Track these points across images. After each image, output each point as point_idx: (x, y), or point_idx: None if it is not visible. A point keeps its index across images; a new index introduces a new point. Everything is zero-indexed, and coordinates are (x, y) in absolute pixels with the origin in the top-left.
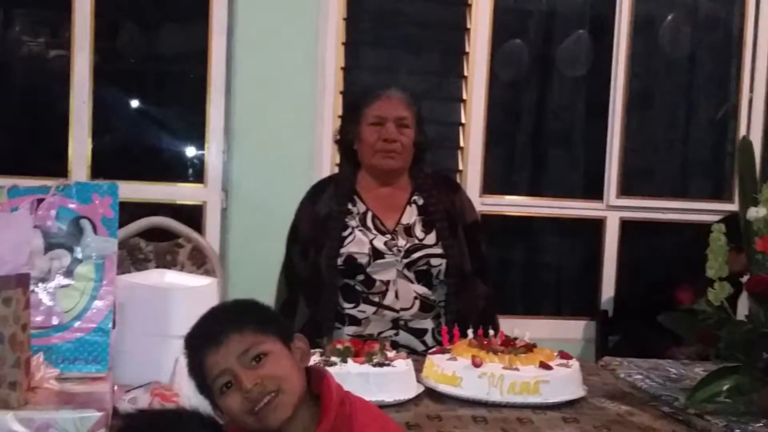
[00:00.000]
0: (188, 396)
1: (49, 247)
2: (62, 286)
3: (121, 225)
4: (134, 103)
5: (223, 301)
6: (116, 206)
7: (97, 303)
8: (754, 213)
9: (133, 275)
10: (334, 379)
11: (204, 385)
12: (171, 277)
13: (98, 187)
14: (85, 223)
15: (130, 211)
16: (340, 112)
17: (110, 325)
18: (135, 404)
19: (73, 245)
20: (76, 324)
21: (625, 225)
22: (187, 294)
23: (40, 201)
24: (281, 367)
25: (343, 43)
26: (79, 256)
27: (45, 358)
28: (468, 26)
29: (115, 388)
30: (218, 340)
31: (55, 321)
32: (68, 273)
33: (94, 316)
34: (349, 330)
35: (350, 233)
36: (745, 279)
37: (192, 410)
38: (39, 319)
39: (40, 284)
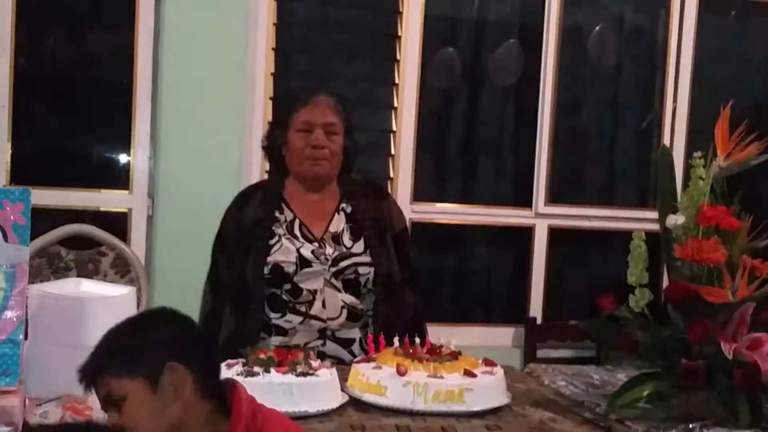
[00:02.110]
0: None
1: None
2: None
3: (42, 233)
4: (57, 108)
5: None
6: (28, 213)
7: (8, 313)
8: (672, 221)
9: (46, 284)
10: (245, 391)
11: None
12: (87, 286)
13: (9, 192)
14: None
15: (51, 218)
16: (270, 118)
17: (21, 336)
18: (46, 418)
19: None
20: None
21: (554, 232)
22: (103, 304)
23: None
24: (138, 415)
25: (272, 49)
26: None
27: None
28: (399, 34)
29: (27, 401)
30: (85, 384)
31: None
32: None
33: (4, 326)
34: (276, 340)
35: (277, 241)
36: None
37: (101, 425)
38: None
39: None
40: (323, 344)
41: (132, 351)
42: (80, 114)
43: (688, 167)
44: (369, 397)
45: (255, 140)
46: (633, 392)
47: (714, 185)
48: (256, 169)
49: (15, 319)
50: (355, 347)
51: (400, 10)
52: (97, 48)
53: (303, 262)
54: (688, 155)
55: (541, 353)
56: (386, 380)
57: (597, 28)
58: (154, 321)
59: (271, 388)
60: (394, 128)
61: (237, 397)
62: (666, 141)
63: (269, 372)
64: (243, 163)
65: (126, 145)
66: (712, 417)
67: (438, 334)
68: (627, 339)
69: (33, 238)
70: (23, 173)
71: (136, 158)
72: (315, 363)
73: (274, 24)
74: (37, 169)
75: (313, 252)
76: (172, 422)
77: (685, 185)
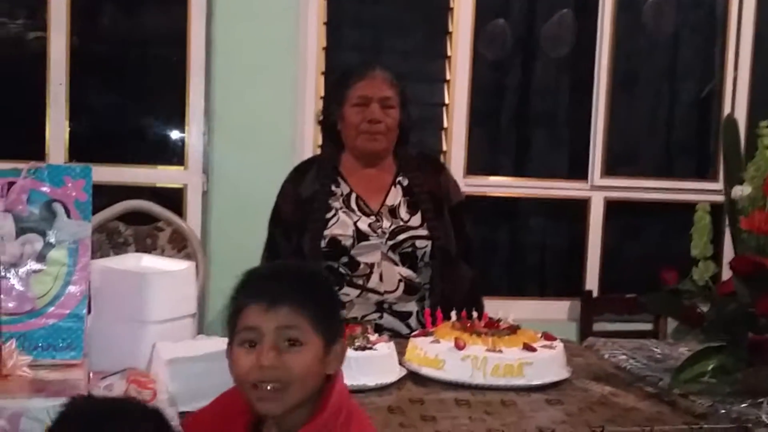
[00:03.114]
0: (164, 382)
1: (20, 232)
2: (34, 272)
3: (101, 209)
4: (113, 86)
5: (297, 264)
6: (90, 189)
7: (71, 288)
8: (738, 191)
9: (108, 260)
10: (344, 386)
11: (230, 329)
12: (148, 261)
13: (71, 169)
14: (57, 206)
15: (109, 194)
16: (321, 93)
17: (85, 311)
18: (111, 391)
19: (46, 229)
20: (50, 310)
21: (610, 205)
22: (163, 279)
23: (11, 184)
24: (306, 366)
25: (324, 23)
26: (52, 240)
27: (17, 345)
28: (451, 6)
29: (91, 375)
30: (271, 298)
31: (27, 307)
32: (41, 258)
33: (67, 301)
34: None
35: (334, 215)
36: None
37: (137, 403)
38: (11, 305)
39: (11, 270)
40: (380, 317)
41: (327, 310)
42: (136, 91)
43: (749, 137)
44: (427, 371)
45: (307, 115)
46: (697, 366)
47: None
48: (308, 144)
49: (78, 294)
50: (412, 320)
51: None
52: (152, 25)
53: (360, 236)
54: (750, 125)
55: (598, 327)
56: (444, 354)
57: None
58: (339, 297)
59: None
60: (447, 101)
61: (331, 390)
62: (727, 111)
63: None
64: (296, 138)
65: (181, 122)
66: None
67: (494, 308)
68: (691, 312)
69: (93, 214)
70: (81, 151)
71: (190, 135)
72: (373, 337)
73: None
74: (94, 147)
75: (370, 225)
76: (315, 386)
77: (749, 156)
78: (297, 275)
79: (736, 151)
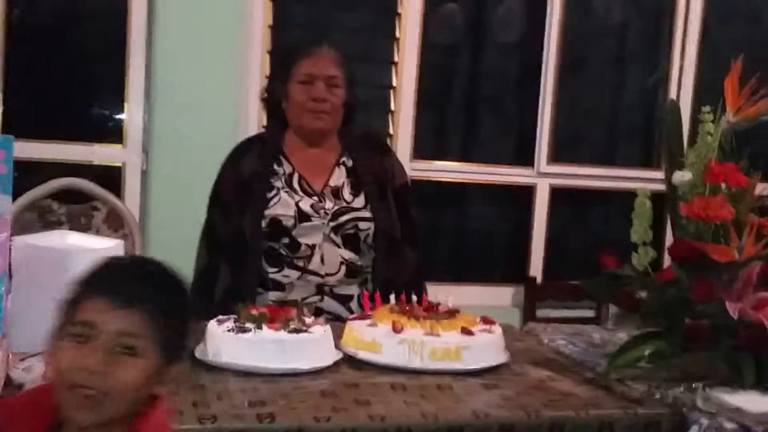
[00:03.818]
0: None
1: None
2: None
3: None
4: (51, 61)
5: (163, 267)
6: (11, 161)
7: None
8: (679, 177)
9: (31, 236)
10: (165, 414)
11: (63, 316)
12: (73, 239)
13: None
14: None
15: (46, 172)
16: (267, 72)
17: (3, 289)
18: (29, 373)
19: None
20: None
21: (555, 192)
22: (89, 256)
23: None
24: (134, 381)
25: (270, 0)
26: None
27: None
28: None
29: (10, 356)
30: (123, 299)
31: None
32: None
33: None
34: (273, 295)
35: (275, 194)
36: None
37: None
38: None
39: None
40: (321, 300)
41: (176, 327)
42: (74, 67)
43: (694, 126)
44: (364, 355)
45: (252, 94)
46: (634, 351)
47: (722, 141)
48: (252, 123)
49: None
50: (353, 304)
51: None
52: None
53: (302, 216)
54: (695, 113)
55: (541, 313)
56: (381, 338)
57: None
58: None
59: (262, 345)
60: (395, 84)
61: (152, 411)
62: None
63: (261, 329)
64: (240, 117)
65: (120, 99)
66: (715, 377)
67: (437, 293)
68: (629, 297)
69: (25, 191)
70: (17, 126)
71: (130, 112)
72: (308, 320)
73: None
74: (30, 123)
75: (312, 206)
76: (134, 405)
77: (692, 143)
78: (160, 281)
79: (677, 135)
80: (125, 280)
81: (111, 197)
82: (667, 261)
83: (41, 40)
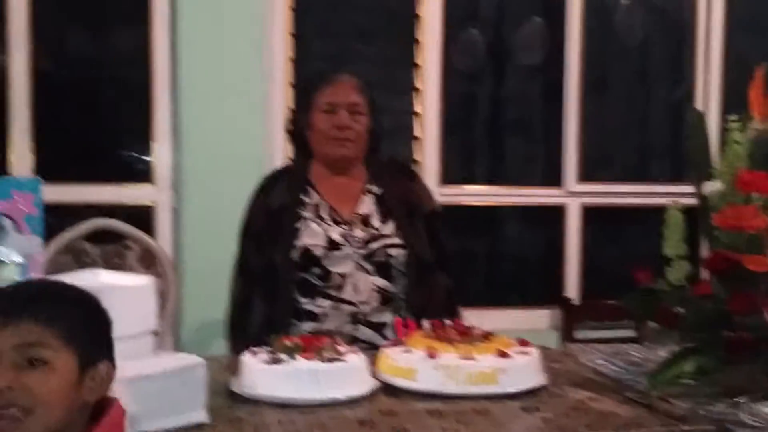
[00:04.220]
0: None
1: None
2: None
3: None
4: (79, 105)
5: (47, 280)
6: (40, 203)
7: None
8: (710, 187)
9: (64, 276)
10: (116, 417)
11: None
12: (105, 277)
13: (19, 183)
14: (5, 221)
15: (77, 215)
16: (290, 105)
17: None
18: None
19: None
20: None
21: (586, 210)
22: (119, 293)
23: None
24: (52, 389)
25: (291, 34)
26: (1, 257)
27: None
28: (419, 14)
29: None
30: (6, 314)
31: None
32: None
33: None
34: (307, 326)
35: (305, 225)
36: None
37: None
38: None
39: None
40: (355, 329)
41: (84, 327)
42: (102, 110)
43: (722, 137)
44: (399, 382)
45: (276, 127)
46: (675, 368)
47: (751, 150)
48: (278, 156)
49: None
50: (388, 332)
51: None
52: (115, 43)
53: (332, 245)
54: (722, 127)
55: (579, 335)
56: (416, 364)
57: (623, 2)
58: (104, 310)
59: (297, 375)
60: (418, 110)
61: (103, 420)
62: None
63: (295, 359)
64: (265, 151)
65: (148, 139)
66: (759, 390)
67: (473, 318)
68: (666, 313)
69: (58, 234)
70: (48, 171)
71: (158, 151)
72: (342, 348)
73: (291, 8)
74: (61, 167)
75: (342, 234)
76: (70, 413)
77: (721, 153)
78: (42, 289)
79: (704, 144)
80: (5, 299)
81: (143, 236)
82: (704, 276)
83: (68, 84)
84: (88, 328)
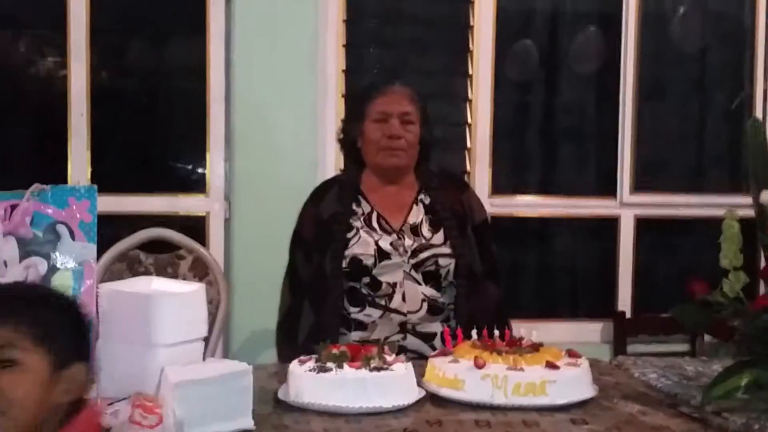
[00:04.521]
0: (172, 406)
1: (24, 255)
2: None
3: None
4: (135, 116)
5: (17, 283)
6: (95, 210)
7: None
8: (767, 196)
9: (117, 282)
10: (91, 416)
11: None
12: (157, 284)
13: (75, 190)
14: (62, 228)
15: (132, 224)
16: (342, 116)
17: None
18: (117, 417)
19: (50, 252)
20: None
21: (640, 222)
22: (171, 301)
23: (14, 207)
24: (23, 390)
25: (343, 45)
26: (57, 263)
27: None
28: (471, 24)
29: (99, 401)
30: None
31: None
32: (45, 281)
33: None
34: (356, 335)
35: (355, 234)
36: None
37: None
38: None
39: None
40: (404, 338)
41: (56, 328)
42: (157, 121)
43: None
44: (446, 392)
45: (329, 138)
46: (730, 382)
47: None
48: (330, 167)
49: None
50: (437, 342)
51: (472, 0)
52: (171, 55)
53: (382, 255)
54: None
55: (632, 349)
56: (464, 374)
57: (680, 10)
58: (82, 313)
59: (344, 384)
60: (470, 121)
61: (78, 421)
62: None
63: (342, 368)
64: (317, 162)
65: (202, 150)
66: None
67: (523, 330)
68: (721, 325)
69: (114, 243)
70: (105, 182)
71: (211, 162)
72: (389, 357)
73: (344, 20)
74: (117, 178)
75: (391, 244)
76: (43, 413)
77: None
78: (11, 292)
79: (762, 153)
80: None
81: (196, 245)
82: (762, 290)
83: (124, 95)
84: (63, 330)
